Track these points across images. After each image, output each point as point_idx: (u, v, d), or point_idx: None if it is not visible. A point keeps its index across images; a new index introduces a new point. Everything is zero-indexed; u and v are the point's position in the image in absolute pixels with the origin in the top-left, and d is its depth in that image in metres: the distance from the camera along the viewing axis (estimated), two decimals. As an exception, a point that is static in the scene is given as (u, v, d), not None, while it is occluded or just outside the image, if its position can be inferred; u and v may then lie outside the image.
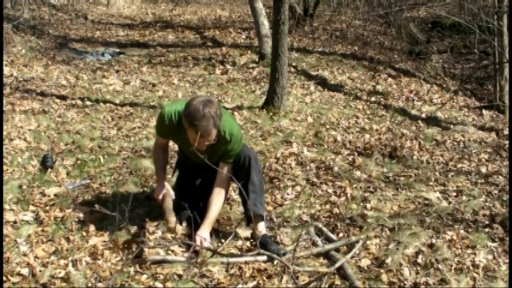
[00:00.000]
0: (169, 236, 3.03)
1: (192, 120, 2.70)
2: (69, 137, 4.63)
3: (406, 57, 8.62)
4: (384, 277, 2.73)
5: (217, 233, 3.13)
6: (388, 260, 2.87)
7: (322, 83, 7.14)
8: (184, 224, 3.08)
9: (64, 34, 9.44)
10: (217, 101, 2.87)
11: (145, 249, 2.82)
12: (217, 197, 3.01)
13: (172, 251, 2.90)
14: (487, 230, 3.23)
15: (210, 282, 2.66)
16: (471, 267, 2.84)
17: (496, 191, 3.85)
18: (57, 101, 5.70)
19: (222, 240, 3.05)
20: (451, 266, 2.84)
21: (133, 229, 3.10)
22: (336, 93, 6.73)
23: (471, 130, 5.43)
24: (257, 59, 7.98)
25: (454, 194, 3.80)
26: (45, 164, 3.90)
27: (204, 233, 2.93)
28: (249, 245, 3.05)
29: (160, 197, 3.09)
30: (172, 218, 2.98)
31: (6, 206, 3.27)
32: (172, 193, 3.11)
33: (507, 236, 3.14)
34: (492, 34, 6.79)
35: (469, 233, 3.19)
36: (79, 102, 5.70)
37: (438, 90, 7.17)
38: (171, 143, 3.36)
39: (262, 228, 3.04)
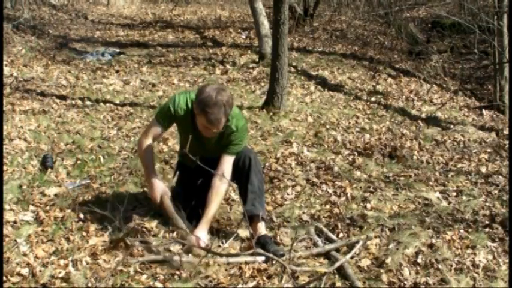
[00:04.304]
0: (167, 236, 3.03)
1: (203, 106, 2.71)
2: (69, 137, 4.63)
3: (406, 57, 8.62)
4: (384, 277, 2.73)
5: (218, 233, 3.12)
6: (388, 260, 2.86)
7: (322, 83, 7.14)
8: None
9: (64, 34, 9.44)
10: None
11: (137, 248, 2.82)
12: (216, 195, 2.94)
13: (170, 250, 2.90)
14: (487, 230, 3.23)
15: (210, 282, 2.66)
16: (471, 267, 2.84)
17: (496, 191, 3.85)
18: (57, 101, 5.70)
19: (223, 241, 3.05)
20: (451, 266, 2.84)
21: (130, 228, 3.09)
22: (336, 93, 6.73)
23: (471, 130, 5.44)
24: (257, 59, 7.99)
25: (454, 194, 3.80)
26: (45, 164, 3.90)
27: (200, 233, 2.87)
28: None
29: (158, 198, 3.04)
30: (182, 226, 2.91)
31: (6, 206, 3.27)
32: (168, 192, 3.08)
33: (507, 236, 3.14)
34: (492, 34, 6.79)
35: (469, 233, 3.19)
36: (79, 102, 5.70)
37: (438, 90, 7.17)
38: (172, 142, 3.36)
39: (262, 228, 3.02)
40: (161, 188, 3.04)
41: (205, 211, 2.93)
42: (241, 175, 3.00)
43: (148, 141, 3.05)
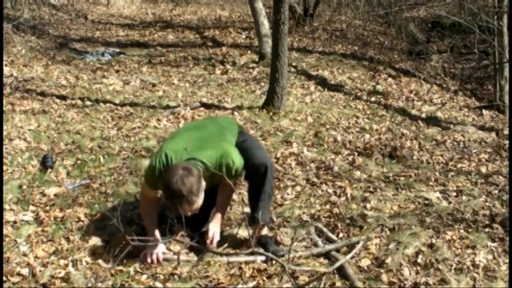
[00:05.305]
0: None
1: (166, 196, 2.65)
2: (69, 137, 4.63)
3: (406, 57, 8.62)
4: (384, 277, 2.73)
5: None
6: (388, 260, 2.87)
7: (322, 83, 7.14)
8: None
9: (64, 34, 9.45)
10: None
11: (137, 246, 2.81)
12: (224, 202, 3.02)
13: (170, 249, 2.90)
14: (487, 230, 3.23)
15: (210, 282, 2.66)
16: (471, 267, 2.84)
17: (496, 191, 3.85)
18: (57, 101, 5.70)
19: (223, 241, 3.05)
20: (451, 266, 2.84)
21: (130, 229, 3.09)
22: (336, 93, 6.73)
23: (471, 130, 5.43)
24: (257, 59, 7.99)
25: (454, 194, 3.80)
26: (45, 164, 3.90)
27: (214, 227, 2.89)
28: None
29: (151, 259, 2.80)
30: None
31: (6, 206, 3.27)
32: (162, 249, 2.86)
33: (507, 236, 3.14)
34: (492, 34, 6.79)
35: (469, 233, 3.19)
36: (79, 102, 5.71)
37: (438, 90, 7.17)
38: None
39: (262, 229, 3.04)
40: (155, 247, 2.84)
41: (216, 210, 2.98)
42: (255, 179, 2.95)
43: (148, 202, 2.96)
